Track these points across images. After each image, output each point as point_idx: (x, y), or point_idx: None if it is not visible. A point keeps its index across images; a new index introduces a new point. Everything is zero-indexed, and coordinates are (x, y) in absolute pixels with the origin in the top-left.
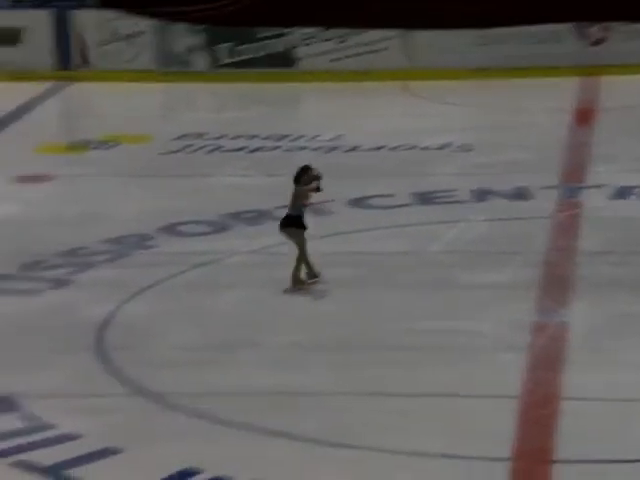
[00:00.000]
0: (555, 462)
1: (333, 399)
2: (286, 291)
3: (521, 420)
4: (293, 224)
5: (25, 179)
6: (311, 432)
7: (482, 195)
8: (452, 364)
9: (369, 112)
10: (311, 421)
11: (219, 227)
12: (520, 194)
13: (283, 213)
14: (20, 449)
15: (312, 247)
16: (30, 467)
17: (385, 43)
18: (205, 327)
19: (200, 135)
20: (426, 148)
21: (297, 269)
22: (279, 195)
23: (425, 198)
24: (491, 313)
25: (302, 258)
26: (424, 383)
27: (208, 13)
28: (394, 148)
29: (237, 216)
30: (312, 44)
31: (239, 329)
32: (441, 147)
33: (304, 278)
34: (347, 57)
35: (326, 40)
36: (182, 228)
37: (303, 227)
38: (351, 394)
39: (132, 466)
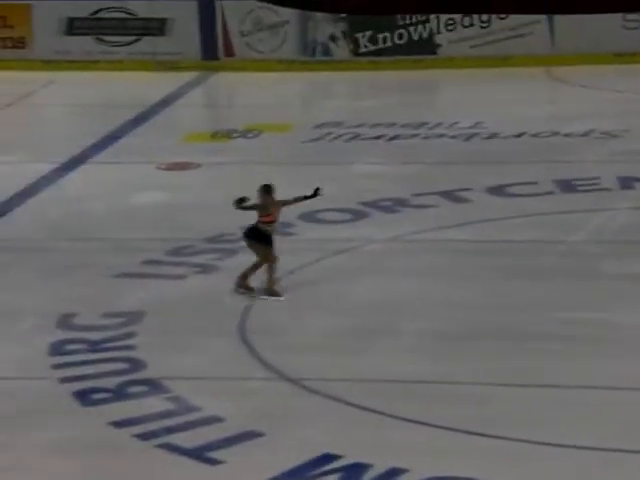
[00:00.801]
0: None
1: (475, 388)
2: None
3: None
4: (259, 238)
5: (172, 166)
6: (451, 422)
7: (628, 182)
8: (597, 356)
9: (510, 98)
10: (452, 409)
11: (357, 215)
12: None
13: (420, 201)
14: (166, 431)
15: (449, 235)
16: (174, 448)
17: (529, 28)
18: (343, 314)
19: (339, 123)
20: (569, 134)
21: (267, 279)
22: (416, 183)
23: (568, 185)
24: (638, 304)
25: (257, 267)
26: (574, 375)
27: (348, 2)
28: (535, 135)
29: (375, 204)
30: (454, 30)
31: (377, 316)
32: (584, 134)
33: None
34: (488, 43)
35: (468, 26)
36: (321, 215)
37: (268, 243)
38: (494, 384)
39: (274, 450)
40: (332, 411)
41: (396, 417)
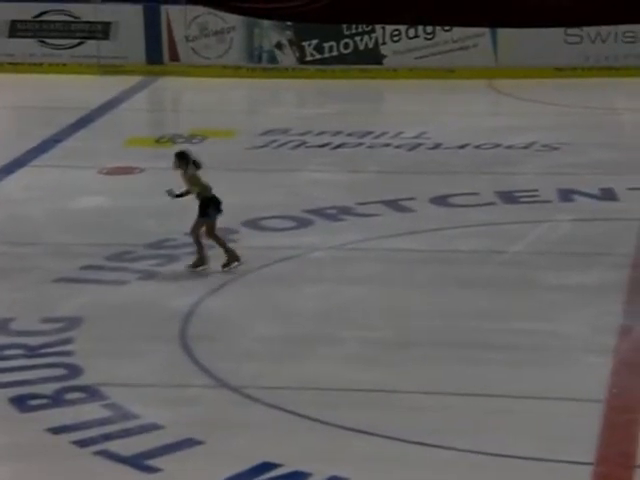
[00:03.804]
0: (639, 467)
1: (416, 397)
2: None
3: (605, 425)
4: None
5: (114, 171)
6: (392, 430)
7: (567, 195)
8: (536, 366)
9: (453, 110)
10: (391, 419)
11: (301, 222)
12: (606, 195)
13: (364, 209)
14: (104, 438)
15: (392, 244)
16: (113, 456)
17: (473, 40)
18: (286, 321)
19: (285, 131)
20: (511, 147)
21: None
22: (361, 191)
23: (509, 197)
24: (576, 315)
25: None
26: (508, 384)
27: (295, 10)
28: (478, 146)
29: (319, 212)
30: (399, 41)
31: (320, 324)
32: (526, 146)
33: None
34: (432, 55)
35: (413, 37)
36: (265, 222)
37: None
38: (435, 393)
39: (213, 458)
40: (272, 419)
41: (336, 425)
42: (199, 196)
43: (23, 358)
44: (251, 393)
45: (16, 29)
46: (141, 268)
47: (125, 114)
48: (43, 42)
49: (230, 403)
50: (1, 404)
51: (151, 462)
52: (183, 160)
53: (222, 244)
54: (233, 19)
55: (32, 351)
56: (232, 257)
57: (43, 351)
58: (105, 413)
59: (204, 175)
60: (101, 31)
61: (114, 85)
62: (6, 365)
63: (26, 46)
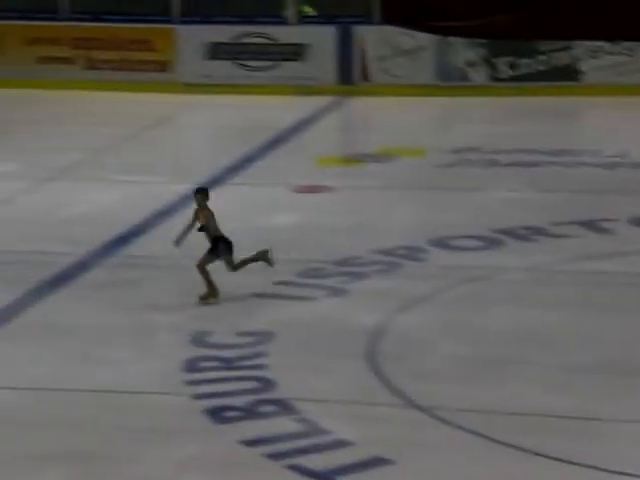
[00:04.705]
0: None
1: (616, 425)
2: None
3: None
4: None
5: (305, 189)
6: (592, 459)
7: None
8: None
9: None
10: (591, 447)
11: (491, 242)
12: None
13: (559, 230)
14: (296, 452)
15: (590, 266)
16: (304, 471)
17: None
18: (476, 342)
19: (476, 149)
20: None
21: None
22: (555, 211)
23: None
24: None
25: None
26: None
27: (486, 27)
28: None
29: (510, 232)
30: (598, 57)
31: (509, 346)
32: None
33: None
34: (632, 72)
35: (612, 54)
36: (454, 242)
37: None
38: (631, 422)
39: (403, 478)
40: (463, 442)
41: (531, 452)
42: (210, 233)
43: (219, 370)
44: (441, 414)
45: (216, 51)
46: (330, 285)
47: (317, 133)
48: (241, 64)
49: (420, 423)
50: (197, 415)
51: (342, 479)
52: (206, 197)
53: (206, 277)
54: (425, 38)
55: (227, 364)
56: (211, 292)
57: (238, 364)
58: (297, 427)
59: (393, 194)
60: (295, 53)
61: (307, 105)
62: (203, 377)
63: (225, 68)
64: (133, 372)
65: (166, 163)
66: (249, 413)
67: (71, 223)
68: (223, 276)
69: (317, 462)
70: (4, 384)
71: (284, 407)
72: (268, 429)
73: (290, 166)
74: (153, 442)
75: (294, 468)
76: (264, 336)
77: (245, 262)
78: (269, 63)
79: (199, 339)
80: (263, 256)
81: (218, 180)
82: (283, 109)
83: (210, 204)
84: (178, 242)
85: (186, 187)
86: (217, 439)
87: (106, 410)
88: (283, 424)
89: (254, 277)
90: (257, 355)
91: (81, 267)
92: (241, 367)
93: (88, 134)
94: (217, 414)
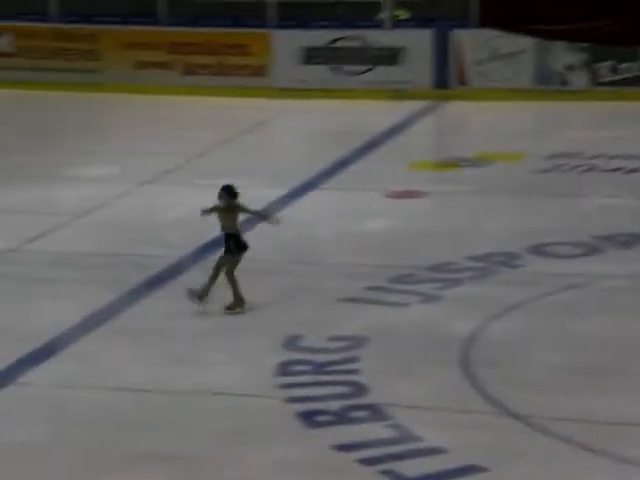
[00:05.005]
0: None
1: None
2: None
3: None
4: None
5: (399, 194)
6: None
7: None
8: None
9: None
10: None
11: (589, 249)
12: None
13: None
14: (389, 458)
15: None
16: (397, 477)
17: None
18: (570, 350)
19: (574, 154)
20: None
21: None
22: None
23: None
24: None
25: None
26: None
27: (587, 32)
28: None
29: (610, 239)
30: None
31: (606, 355)
32: None
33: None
34: None
35: None
36: (551, 249)
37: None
38: None
39: None
40: (558, 451)
41: (626, 462)
42: (225, 230)
43: (311, 374)
44: (536, 422)
45: (311, 56)
46: (422, 291)
47: (411, 138)
48: (336, 68)
49: (515, 432)
50: (290, 418)
51: None
52: (233, 194)
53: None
54: (524, 42)
55: (320, 368)
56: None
57: (330, 369)
58: (390, 433)
59: (488, 199)
60: (390, 56)
61: (401, 110)
62: (295, 381)
63: (320, 72)
64: (226, 375)
65: (260, 168)
66: (342, 418)
67: (167, 226)
68: (314, 280)
69: (410, 468)
70: (104, 385)
71: (377, 413)
72: (361, 434)
73: (384, 171)
74: (248, 445)
75: (387, 474)
76: (356, 341)
77: (234, 287)
78: (364, 67)
79: (291, 343)
80: (239, 301)
81: (311, 185)
82: (377, 113)
83: (303, 209)
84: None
85: (280, 192)
86: (310, 443)
87: (201, 412)
88: (376, 430)
89: (346, 282)
90: (349, 360)
91: (176, 270)
92: (333, 372)
93: (184, 139)
94: (310, 418)
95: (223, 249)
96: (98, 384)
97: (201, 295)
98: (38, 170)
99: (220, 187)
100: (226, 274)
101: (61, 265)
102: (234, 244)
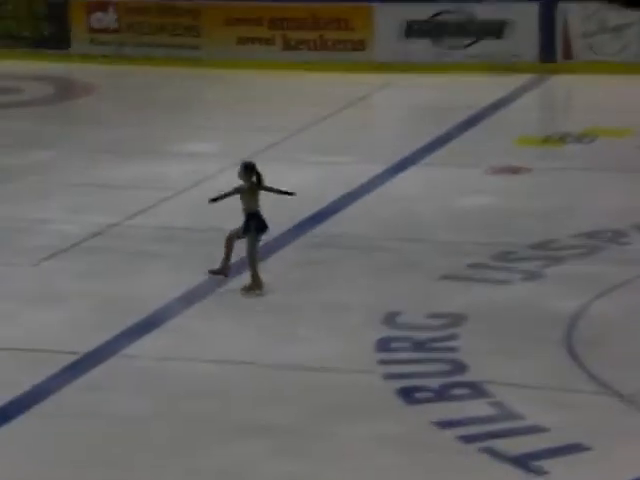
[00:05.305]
0: None
1: None
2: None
3: None
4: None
5: (502, 170)
6: None
7: None
8: None
9: None
10: None
11: None
12: None
13: None
14: (489, 436)
15: None
16: (498, 454)
17: None
18: None
19: None
20: None
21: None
22: None
23: None
24: None
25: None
26: None
27: None
28: None
29: None
30: None
31: None
32: None
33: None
34: None
35: None
36: None
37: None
38: None
39: (601, 465)
40: None
41: None
42: (245, 211)
43: (409, 351)
44: (639, 401)
45: (413, 30)
46: (525, 268)
47: (515, 113)
48: (438, 42)
49: (618, 411)
50: (389, 394)
51: (537, 464)
52: (249, 173)
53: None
54: (633, 15)
55: (419, 345)
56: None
57: (429, 346)
58: (490, 411)
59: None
60: (495, 30)
61: (505, 84)
62: (394, 357)
63: (422, 46)
64: (325, 350)
65: (361, 143)
66: (441, 395)
67: (267, 202)
68: (415, 257)
69: (511, 446)
70: (205, 358)
71: (477, 390)
72: (461, 412)
73: (487, 146)
74: (346, 419)
75: (488, 451)
76: (457, 318)
77: (253, 268)
78: (467, 41)
79: (391, 319)
80: (257, 283)
81: (412, 161)
82: (481, 88)
83: (404, 185)
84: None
85: (379, 167)
86: (409, 419)
87: (300, 387)
88: (476, 407)
89: (447, 259)
90: (449, 337)
91: (274, 246)
92: (433, 349)
93: (284, 115)
94: (409, 394)
95: (241, 226)
96: (199, 357)
97: (224, 272)
98: (141, 145)
99: (241, 165)
100: (247, 256)
101: (163, 240)
102: (255, 225)
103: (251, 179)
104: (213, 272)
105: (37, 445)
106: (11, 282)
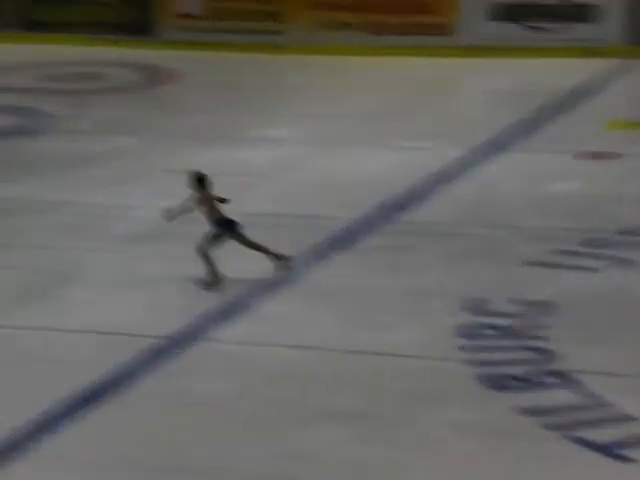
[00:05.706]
0: None
1: None
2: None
3: None
4: None
5: (590, 155)
6: None
7: None
8: None
9: None
10: None
11: None
12: None
13: None
14: (576, 424)
15: None
16: (585, 442)
17: None
18: None
19: None
20: None
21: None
22: None
23: None
24: None
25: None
26: None
27: None
28: None
29: None
30: None
31: None
32: None
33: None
34: None
35: None
36: None
37: None
38: None
39: None
40: None
41: None
42: (212, 220)
43: (493, 338)
44: None
45: (499, 13)
46: (614, 255)
47: (606, 97)
48: (526, 26)
49: None
50: (471, 381)
51: (625, 452)
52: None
53: (211, 263)
54: None
55: (502, 332)
56: (216, 279)
57: (513, 333)
58: (578, 399)
59: None
60: (585, 13)
61: (593, 68)
62: (479, 344)
63: (509, 30)
64: (406, 336)
65: (445, 128)
66: (527, 383)
67: (347, 188)
68: (501, 243)
69: (599, 434)
70: (287, 343)
71: (564, 379)
72: (547, 400)
73: (576, 131)
74: (427, 405)
75: (574, 439)
76: (545, 306)
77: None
78: (556, 24)
79: (475, 306)
80: (279, 258)
81: (498, 145)
82: (569, 72)
83: (487, 170)
84: (170, 216)
85: (463, 152)
86: (493, 406)
87: (380, 373)
88: (563, 395)
89: (534, 245)
90: (536, 325)
91: (356, 232)
92: (517, 336)
93: (366, 99)
94: (493, 381)
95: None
96: (281, 342)
97: (214, 281)
98: (225, 131)
99: (191, 175)
100: (197, 250)
101: (247, 225)
102: (225, 227)
103: (204, 189)
104: (206, 286)
105: (126, 428)
106: (96, 267)
